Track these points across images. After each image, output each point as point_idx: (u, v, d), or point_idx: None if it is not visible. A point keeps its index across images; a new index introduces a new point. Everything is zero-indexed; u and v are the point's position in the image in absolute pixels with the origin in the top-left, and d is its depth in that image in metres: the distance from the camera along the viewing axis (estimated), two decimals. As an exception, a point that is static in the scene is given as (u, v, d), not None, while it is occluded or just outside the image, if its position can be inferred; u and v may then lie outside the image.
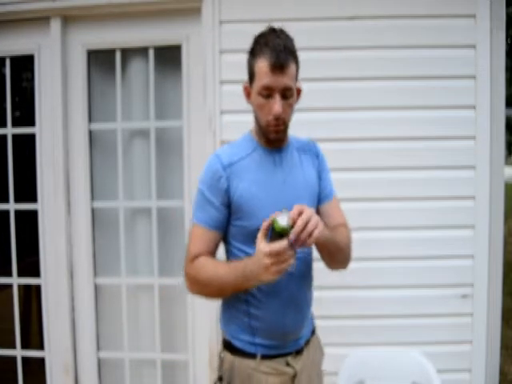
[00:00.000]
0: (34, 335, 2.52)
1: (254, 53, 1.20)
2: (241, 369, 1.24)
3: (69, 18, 2.10)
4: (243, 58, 1.29)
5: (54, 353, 2.18)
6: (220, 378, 1.27)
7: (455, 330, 1.99)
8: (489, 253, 1.96)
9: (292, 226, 1.07)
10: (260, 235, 1.09)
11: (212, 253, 1.25)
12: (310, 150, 1.37)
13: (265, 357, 1.25)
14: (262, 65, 1.16)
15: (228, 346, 1.28)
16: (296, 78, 1.23)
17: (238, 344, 1.26)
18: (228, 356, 1.27)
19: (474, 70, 1.94)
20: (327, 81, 1.98)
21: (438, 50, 1.96)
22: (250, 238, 1.17)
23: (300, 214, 1.07)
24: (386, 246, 1.99)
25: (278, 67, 1.15)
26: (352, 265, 1.98)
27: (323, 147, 2.08)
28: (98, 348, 2.18)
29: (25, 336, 2.28)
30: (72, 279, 2.15)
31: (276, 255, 1.05)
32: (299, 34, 1.95)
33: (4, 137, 2.17)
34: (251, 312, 1.24)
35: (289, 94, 1.19)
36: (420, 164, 1.98)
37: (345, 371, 1.86)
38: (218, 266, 1.20)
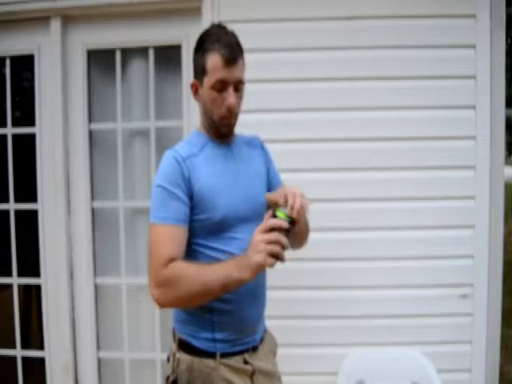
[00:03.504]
0: (33, 335, 2.51)
1: (204, 49, 1.23)
2: (200, 369, 1.23)
3: (69, 18, 2.10)
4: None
5: (54, 353, 2.18)
6: (174, 381, 1.24)
7: (455, 329, 1.99)
8: (489, 253, 1.96)
9: (291, 216, 1.11)
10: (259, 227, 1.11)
11: (182, 256, 1.18)
12: (256, 144, 1.44)
13: (224, 355, 1.24)
14: (216, 60, 1.20)
15: (185, 346, 1.26)
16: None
17: (196, 343, 1.25)
18: (185, 357, 1.25)
19: (473, 70, 1.94)
20: (326, 81, 1.97)
21: (438, 50, 1.95)
22: (213, 231, 1.21)
23: (294, 196, 1.13)
24: (386, 245, 1.99)
25: (232, 61, 1.20)
26: (352, 264, 2.01)
27: (323, 147, 2.08)
28: (98, 348, 2.18)
29: (25, 336, 2.27)
30: (72, 279, 2.16)
31: (272, 230, 1.08)
32: (299, 34, 1.98)
33: (4, 137, 2.17)
34: (214, 306, 1.23)
35: (240, 87, 1.25)
36: (420, 164, 1.98)
37: (344, 371, 1.86)
38: (204, 267, 1.15)
